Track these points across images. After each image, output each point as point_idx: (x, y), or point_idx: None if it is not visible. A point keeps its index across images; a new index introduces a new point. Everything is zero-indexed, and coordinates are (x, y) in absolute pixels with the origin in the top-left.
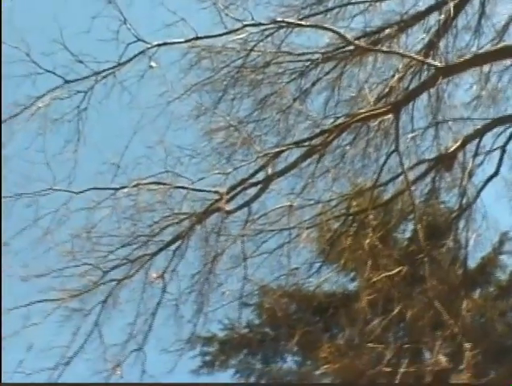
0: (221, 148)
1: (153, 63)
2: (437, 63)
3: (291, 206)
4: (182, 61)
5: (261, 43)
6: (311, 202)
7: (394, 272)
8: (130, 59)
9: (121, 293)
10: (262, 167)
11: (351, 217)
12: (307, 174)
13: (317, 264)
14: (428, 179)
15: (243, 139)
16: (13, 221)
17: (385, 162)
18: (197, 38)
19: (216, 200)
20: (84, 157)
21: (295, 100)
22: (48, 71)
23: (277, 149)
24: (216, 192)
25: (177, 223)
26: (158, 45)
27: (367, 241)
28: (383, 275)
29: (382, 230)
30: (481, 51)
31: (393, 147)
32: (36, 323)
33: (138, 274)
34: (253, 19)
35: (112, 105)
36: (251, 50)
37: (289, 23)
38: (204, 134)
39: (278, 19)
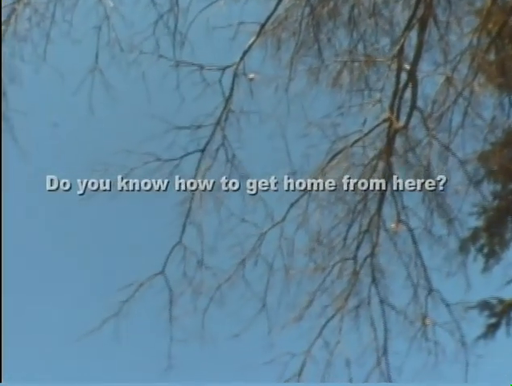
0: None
1: (251, 76)
2: None
3: (448, 77)
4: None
5: None
6: (457, 58)
7: None
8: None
9: None
10: (399, 68)
11: (497, 41)
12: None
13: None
14: None
15: (363, 63)
16: None
17: None
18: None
19: (390, 125)
20: None
21: None
22: None
23: (398, 46)
24: (386, 120)
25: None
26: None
27: None
28: None
29: None
30: None
31: None
32: None
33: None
34: None
35: None
36: None
37: None
38: (332, 90)
39: None
